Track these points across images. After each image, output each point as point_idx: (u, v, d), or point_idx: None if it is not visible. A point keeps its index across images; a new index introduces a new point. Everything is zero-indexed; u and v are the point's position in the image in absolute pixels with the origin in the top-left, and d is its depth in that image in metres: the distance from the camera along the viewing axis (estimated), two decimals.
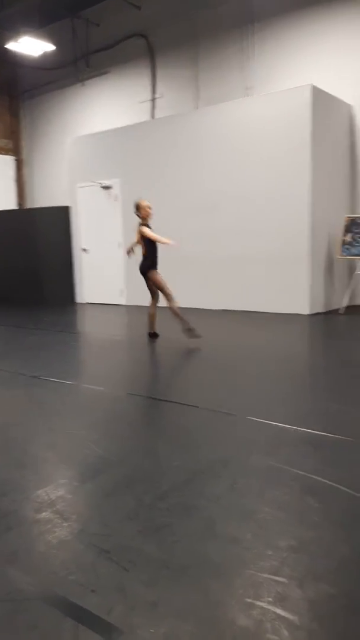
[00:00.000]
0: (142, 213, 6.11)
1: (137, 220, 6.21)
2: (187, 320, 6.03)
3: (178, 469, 2.61)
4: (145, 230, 6.04)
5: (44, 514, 2.21)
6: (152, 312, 6.44)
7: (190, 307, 9.13)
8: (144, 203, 6.14)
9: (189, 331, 5.99)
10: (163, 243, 5.99)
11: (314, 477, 2.47)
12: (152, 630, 1.53)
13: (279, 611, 1.59)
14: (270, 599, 1.64)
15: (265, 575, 1.75)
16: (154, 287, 6.25)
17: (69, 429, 3.33)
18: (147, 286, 6.32)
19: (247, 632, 1.51)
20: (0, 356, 5.67)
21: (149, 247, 6.10)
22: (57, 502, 2.32)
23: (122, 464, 2.73)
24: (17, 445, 3.06)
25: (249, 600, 1.64)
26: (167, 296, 6.08)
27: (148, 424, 3.47)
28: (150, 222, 6.25)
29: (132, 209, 6.29)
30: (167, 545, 1.95)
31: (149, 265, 6.15)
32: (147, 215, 6.14)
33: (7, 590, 1.73)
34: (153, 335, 6.43)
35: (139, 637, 1.51)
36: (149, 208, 6.17)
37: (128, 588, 1.72)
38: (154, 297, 6.39)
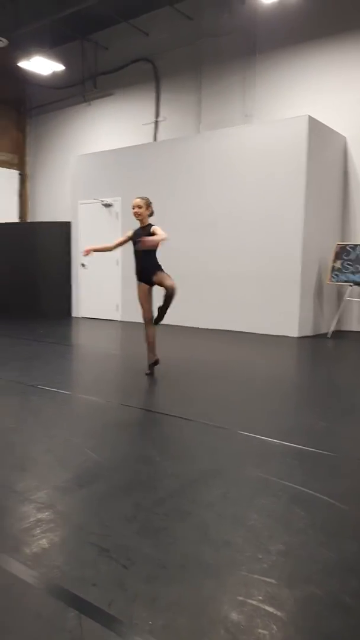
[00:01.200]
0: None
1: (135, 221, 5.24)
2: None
3: (173, 477, 2.73)
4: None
5: (45, 513, 2.31)
6: (151, 330, 5.37)
7: (181, 325, 9.29)
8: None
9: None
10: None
11: (300, 488, 2.60)
12: (150, 622, 1.63)
13: (269, 608, 1.70)
14: (260, 598, 1.75)
15: (256, 576, 1.87)
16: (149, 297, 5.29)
17: (65, 435, 3.43)
18: (139, 296, 5.32)
19: (239, 626, 1.62)
20: None
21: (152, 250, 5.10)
22: (57, 503, 2.43)
23: (118, 470, 2.84)
24: (17, 450, 3.16)
25: (241, 598, 1.75)
26: (173, 288, 5.10)
27: (142, 434, 3.58)
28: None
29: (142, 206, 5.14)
30: (164, 547, 2.06)
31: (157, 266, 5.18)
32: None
33: (12, 582, 1.83)
34: (155, 364, 5.31)
35: (138, 628, 1.61)
36: (136, 207, 5.11)
37: (127, 583, 1.82)
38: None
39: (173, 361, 6.09)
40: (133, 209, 5.06)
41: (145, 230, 5.06)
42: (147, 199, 5.17)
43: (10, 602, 1.72)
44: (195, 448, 3.23)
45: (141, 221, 5.11)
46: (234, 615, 1.67)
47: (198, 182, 9.09)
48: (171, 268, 9.44)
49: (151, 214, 5.18)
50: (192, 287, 9.19)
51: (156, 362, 5.30)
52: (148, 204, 5.13)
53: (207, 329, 8.89)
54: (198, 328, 8.98)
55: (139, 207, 5.06)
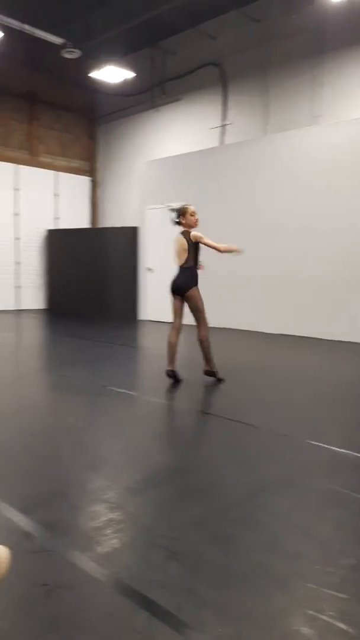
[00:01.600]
0: (187, 220, 5.13)
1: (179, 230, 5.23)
2: (214, 364, 5.28)
3: (240, 484, 2.72)
4: (201, 236, 5.05)
5: (116, 513, 2.37)
6: (174, 340, 5.23)
7: (246, 329, 9.22)
8: (191, 209, 5.20)
9: (212, 374, 5.24)
10: (230, 251, 5.12)
11: None
12: (220, 630, 1.64)
13: (341, 625, 1.65)
14: (332, 613, 1.71)
15: (327, 591, 1.82)
16: (192, 309, 5.22)
17: (134, 437, 3.50)
18: (175, 307, 5.27)
19: None
20: (69, 365, 5.96)
21: (194, 258, 5.13)
22: (127, 504, 2.48)
23: (185, 474, 2.86)
24: (88, 449, 3.26)
25: (311, 612, 1.72)
26: (204, 322, 5.21)
27: (208, 439, 3.59)
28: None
29: (172, 217, 5.37)
30: (232, 554, 2.05)
31: (190, 280, 5.13)
32: (193, 224, 5.15)
33: (85, 579, 1.89)
34: (172, 375, 5.14)
35: (208, 634, 1.62)
36: (195, 215, 5.18)
37: (196, 588, 1.83)
38: (179, 319, 5.30)
39: (239, 366, 6.06)
40: (196, 214, 5.18)
41: (185, 235, 5.13)
42: None
43: (83, 599, 1.78)
44: (262, 456, 3.19)
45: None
46: (305, 630, 1.64)
47: (265, 185, 9.00)
48: (236, 272, 9.43)
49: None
50: (259, 292, 9.11)
51: (174, 374, 5.17)
52: None
53: (274, 334, 8.77)
54: (264, 333, 8.88)
55: (196, 213, 5.23)
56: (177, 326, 5.28)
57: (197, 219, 5.15)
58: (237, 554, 2.05)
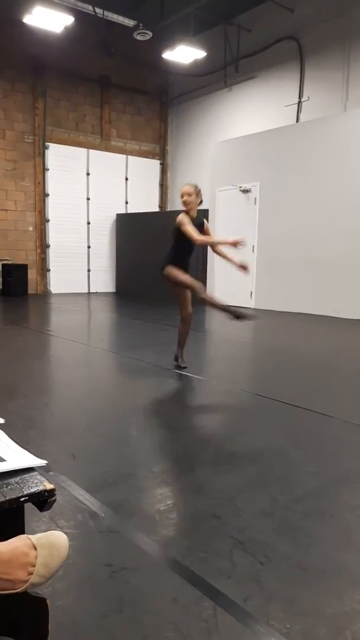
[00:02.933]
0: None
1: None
2: (225, 304, 4.72)
3: (312, 475, 2.59)
4: (181, 222, 4.50)
5: (182, 498, 2.33)
6: (184, 330, 4.98)
7: (321, 314, 8.91)
8: (181, 189, 4.68)
9: (237, 316, 4.64)
10: (228, 244, 4.53)
11: None
12: (288, 626, 1.55)
13: None
14: None
15: None
16: (179, 291, 4.83)
17: (201, 421, 3.45)
18: (173, 294, 4.95)
19: None
20: (137, 348, 6.00)
21: (175, 239, 4.69)
22: (194, 489, 2.43)
23: (254, 462, 2.77)
24: (154, 431, 3.24)
25: None
26: (194, 289, 4.69)
27: (278, 427, 3.47)
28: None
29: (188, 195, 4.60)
30: (303, 547, 1.95)
31: (165, 260, 4.76)
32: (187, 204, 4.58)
33: (149, 562, 1.86)
34: (177, 362, 4.91)
35: (274, 629, 1.54)
36: (186, 195, 4.57)
37: (264, 580, 1.75)
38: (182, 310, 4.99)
39: (312, 352, 5.86)
40: (182, 197, 4.59)
41: (196, 222, 4.58)
42: (197, 185, 4.65)
43: (147, 582, 1.75)
44: (336, 446, 3.04)
45: (190, 210, 4.57)
46: None
47: (343, 163, 8.58)
48: (313, 256, 9.11)
49: (200, 203, 4.69)
50: (337, 275, 8.75)
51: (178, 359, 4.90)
52: (198, 192, 4.61)
53: (349, 319, 8.41)
54: (341, 318, 8.54)
55: (189, 194, 4.54)
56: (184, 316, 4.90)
57: (182, 201, 4.59)
58: (308, 548, 1.95)
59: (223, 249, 4.74)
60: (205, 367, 5.39)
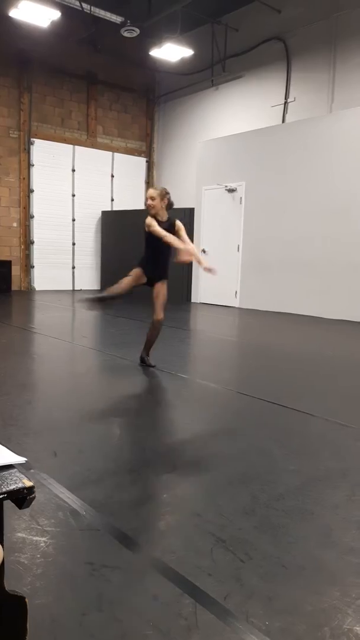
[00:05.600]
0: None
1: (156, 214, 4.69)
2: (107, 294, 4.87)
3: (293, 472, 2.61)
4: (149, 224, 4.62)
5: (165, 496, 2.33)
6: (151, 334, 5.02)
7: (306, 314, 8.98)
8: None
9: (100, 299, 4.80)
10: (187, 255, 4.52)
11: None
12: (267, 623, 1.56)
13: None
14: None
15: None
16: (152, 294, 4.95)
17: (184, 420, 3.46)
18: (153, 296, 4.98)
19: None
20: (121, 346, 5.99)
21: (146, 240, 4.82)
22: (176, 487, 2.44)
23: (236, 460, 2.78)
24: (138, 430, 3.24)
25: None
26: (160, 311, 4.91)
27: (262, 426, 3.49)
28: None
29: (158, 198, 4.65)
30: (283, 545, 1.97)
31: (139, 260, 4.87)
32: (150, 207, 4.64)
33: (129, 560, 1.86)
34: (145, 362, 4.92)
35: (254, 626, 1.55)
36: (150, 199, 4.63)
37: (244, 578, 1.76)
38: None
39: (295, 352, 5.90)
40: (146, 200, 4.67)
41: (165, 224, 4.61)
42: (163, 189, 4.68)
43: (128, 580, 1.75)
44: (318, 445, 3.07)
45: (156, 214, 4.61)
46: (359, 630, 1.53)
47: (329, 164, 8.65)
48: (298, 256, 9.18)
49: (169, 206, 4.69)
50: (321, 276, 8.82)
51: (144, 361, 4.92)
52: (163, 195, 4.61)
53: (334, 319, 8.49)
54: (324, 318, 8.62)
55: (152, 198, 4.58)
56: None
57: (147, 205, 4.66)
58: (288, 546, 1.96)
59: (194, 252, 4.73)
60: (189, 365, 5.39)
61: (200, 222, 10.79)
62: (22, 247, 12.16)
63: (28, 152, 11.91)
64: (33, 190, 12.13)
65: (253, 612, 1.61)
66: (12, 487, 1.09)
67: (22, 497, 1.10)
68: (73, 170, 12.64)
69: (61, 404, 3.80)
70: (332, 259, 8.62)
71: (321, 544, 1.98)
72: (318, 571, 1.82)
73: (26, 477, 1.14)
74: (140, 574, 1.78)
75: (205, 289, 10.85)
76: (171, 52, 10.61)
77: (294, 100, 10.26)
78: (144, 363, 4.92)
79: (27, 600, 1.27)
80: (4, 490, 1.08)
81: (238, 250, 10.14)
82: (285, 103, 10.40)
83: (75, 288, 13.08)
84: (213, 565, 1.83)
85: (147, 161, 13.83)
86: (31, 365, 5.15)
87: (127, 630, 1.52)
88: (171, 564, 1.83)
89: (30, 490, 1.11)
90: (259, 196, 9.75)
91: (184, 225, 4.80)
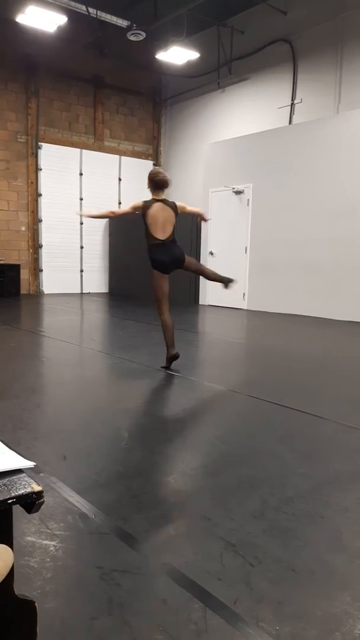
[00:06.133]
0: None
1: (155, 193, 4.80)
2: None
3: (303, 476, 2.60)
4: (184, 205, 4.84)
5: (173, 499, 2.33)
6: (171, 322, 4.99)
7: (313, 315, 8.94)
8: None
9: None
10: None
11: None
12: (277, 628, 1.55)
13: None
14: None
15: None
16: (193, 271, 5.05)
17: (193, 423, 3.45)
18: (166, 287, 5.06)
19: None
20: (129, 349, 5.99)
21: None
22: (185, 490, 2.43)
23: (246, 463, 2.77)
24: (146, 433, 3.24)
25: None
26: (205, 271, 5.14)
27: (271, 428, 3.47)
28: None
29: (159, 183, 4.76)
30: (293, 549, 1.95)
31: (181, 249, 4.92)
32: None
33: (138, 564, 1.86)
34: (177, 358, 4.85)
35: (264, 631, 1.54)
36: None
37: (254, 582, 1.75)
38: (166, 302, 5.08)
39: (304, 354, 5.87)
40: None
41: (169, 204, 4.69)
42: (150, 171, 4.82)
43: (137, 585, 1.74)
44: (328, 448, 3.05)
45: (153, 195, 4.73)
46: None
47: (336, 166, 8.62)
48: (306, 257, 9.15)
49: (156, 185, 4.70)
50: (328, 277, 8.79)
51: (176, 357, 4.84)
52: (148, 178, 4.74)
53: (342, 321, 8.45)
54: (331, 320, 8.58)
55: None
56: (168, 308, 4.96)
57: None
58: (298, 550, 1.95)
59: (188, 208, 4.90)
60: (197, 368, 5.39)
61: (208, 225, 10.78)
62: (31, 250, 12.22)
63: (36, 156, 11.97)
64: (41, 194, 12.19)
65: (263, 616, 1.60)
66: (21, 491, 1.09)
67: (31, 502, 1.10)
68: (81, 174, 12.69)
69: (70, 407, 3.81)
70: (340, 260, 8.58)
71: (331, 547, 1.97)
72: (328, 575, 1.80)
73: (35, 481, 1.14)
74: (149, 578, 1.78)
75: (212, 291, 10.84)
76: (177, 55, 10.64)
77: (301, 102, 10.24)
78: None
79: (37, 604, 1.27)
80: (13, 495, 1.08)
81: (245, 252, 10.13)
82: (292, 105, 10.38)
83: (84, 291, 13.12)
84: (222, 569, 1.82)
85: (154, 164, 13.86)
86: (40, 368, 5.17)
87: (137, 635, 1.52)
88: (181, 568, 1.83)
89: (39, 495, 1.11)
90: (266, 198, 9.73)
91: (191, 227, 4.87)
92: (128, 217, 4.83)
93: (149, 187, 4.72)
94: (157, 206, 4.63)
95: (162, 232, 4.67)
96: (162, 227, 4.65)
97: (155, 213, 4.62)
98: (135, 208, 4.68)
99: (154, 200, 4.66)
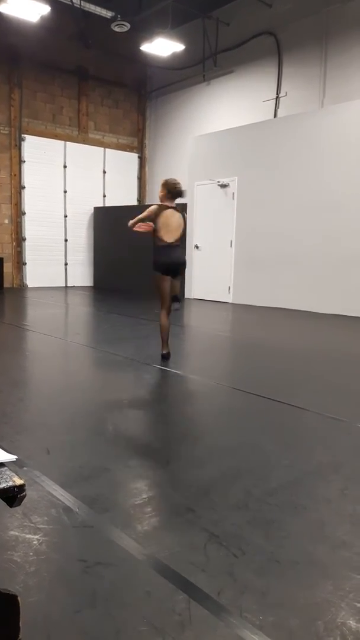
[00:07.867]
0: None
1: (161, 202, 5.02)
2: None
3: (287, 467, 2.62)
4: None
5: (158, 492, 2.33)
6: (168, 322, 5.23)
7: (297, 309, 8.99)
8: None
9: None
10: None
11: None
12: (261, 617, 1.57)
13: None
14: None
15: None
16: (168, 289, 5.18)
17: (177, 416, 3.45)
18: (167, 287, 5.15)
19: (358, 635, 1.50)
20: (114, 342, 5.98)
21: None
22: (169, 483, 2.43)
23: (229, 455, 2.79)
24: (131, 426, 3.23)
25: (359, 605, 1.62)
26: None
27: (254, 420, 3.49)
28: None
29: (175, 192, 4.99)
30: (276, 540, 1.97)
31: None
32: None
33: (124, 557, 1.86)
34: (168, 357, 5.10)
35: (247, 621, 1.55)
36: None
37: (237, 573, 1.77)
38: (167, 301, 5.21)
39: (289, 347, 5.91)
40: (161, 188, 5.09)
41: (178, 211, 5.02)
42: (163, 181, 5.08)
43: (121, 577, 1.75)
44: (310, 439, 3.08)
45: (162, 202, 5.00)
46: (352, 624, 1.54)
47: (321, 159, 8.66)
48: (291, 251, 9.18)
49: (171, 195, 4.97)
50: (310, 271, 8.84)
51: (165, 356, 5.08)
52: (161, 186, 5.04)
53: (325, 314, 8.51)
54: (317, 313, 8.64)
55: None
56: (168, 307, 5.19)
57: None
58: (281, 540, 1.97)
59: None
60: (182, 361, 5.39)
61: (193, 218, 10.77)
62: (14, 244, 12.09)
63: (19, 148, 11.82)
64: (24, 187, 12.05)
65: (247, 607, 1.61)
66: (2, 485, 1.08)
67: (12, 496, 1.09)
68: (65, 167, 12.57)
69: (54, 401, 3.79)
70: (325, 253, 8.63)
71: (314, 538, 1.99)
72: (311, 565, 1.82)
73: (17, 475, 1.13)
74: (133, 570, 1.78)
75: (198, 284, 10.85)
76: (162, 46, 10.55)
77: (286, 95, 10.25)
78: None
79: (19, 598, 1.26)
80: None
81: (231, 246, 10.13)
82: (277, 98, 10.38)
83: (68, 285, 13.04)
84: (206, 561, 1.83)
85: (139, 157, 13.78)
86: (23, 362, 5.13)
87: (121, 627, 1.52)
88: (164, 560, 1.83)
89: (20, 488, 1.10)
90: (251, 191, 9.74)
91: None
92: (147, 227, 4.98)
93: (163, 194, 4.98)
94: (169, 212, 4.96)
95: (171, 236, 4.99)
96: (173, 231, 4.98)
97: (168, 219, 4.95)
98: (151, 212, 4.94)
99: (166, 207, 4.96)
